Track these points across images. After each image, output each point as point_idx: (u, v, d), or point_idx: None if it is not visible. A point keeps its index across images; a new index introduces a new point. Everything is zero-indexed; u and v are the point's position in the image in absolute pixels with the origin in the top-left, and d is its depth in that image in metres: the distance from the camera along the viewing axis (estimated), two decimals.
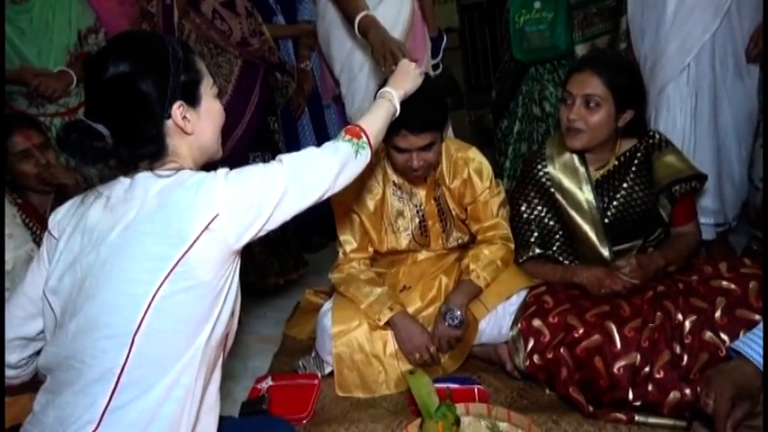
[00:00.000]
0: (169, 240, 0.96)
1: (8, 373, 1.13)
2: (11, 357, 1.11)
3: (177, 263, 0.95)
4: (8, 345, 1.10)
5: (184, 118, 1.06)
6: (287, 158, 1.14)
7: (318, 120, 2.85)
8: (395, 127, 1.64)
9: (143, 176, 1.03)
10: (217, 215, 0.98)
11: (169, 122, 1.05)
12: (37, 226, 1.89)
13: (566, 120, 1.69)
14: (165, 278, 0.94)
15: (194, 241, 0.96)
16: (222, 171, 1.05)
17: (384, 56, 1.82)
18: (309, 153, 1.19)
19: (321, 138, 2.84)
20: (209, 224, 0.97)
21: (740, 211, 2.21)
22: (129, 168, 1.06)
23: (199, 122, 1.09)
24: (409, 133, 1.63)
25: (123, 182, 1.05)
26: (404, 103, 1.62)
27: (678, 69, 2.08)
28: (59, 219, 1.09)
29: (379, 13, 2.15)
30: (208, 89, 1.11)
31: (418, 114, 1.60)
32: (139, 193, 1.01)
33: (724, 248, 2.21)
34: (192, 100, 1.08)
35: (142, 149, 1.05)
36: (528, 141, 2.54)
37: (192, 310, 0.98)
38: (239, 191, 1.02)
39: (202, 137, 1.10)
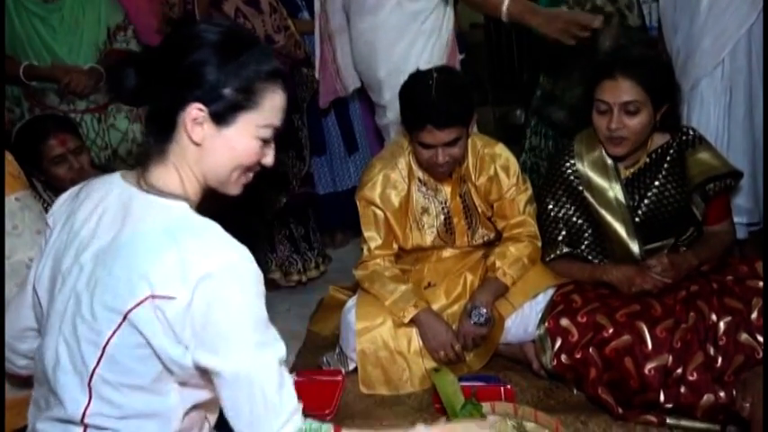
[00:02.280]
0: (122, 292, 0.87)
1: (20, 362, 1.13)
2: (22, 346, 1.09)
3: (124, 318, 0.86)
4: (20, 335, 1.09)
5: (195, 122, 0.92)
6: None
7: (343, 116, 2.85)
8: (420, 122, 1.63)
9: (137, 196, 0.94)
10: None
11: (182, 116, 0.93)
12: None
13: (605, 129, 1.62)
14: (114, 332, 0.87)
15: (137, 305, 0.86)
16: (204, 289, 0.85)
17: (564, 30, 1.74)
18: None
19: (346, 134, 2.83)
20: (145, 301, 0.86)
21: (764, 208, 2.14)
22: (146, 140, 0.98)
23: (212, 141, 0.94)
24: (435, 128, 1.61)
25: (119, 188, 0.96)
26: (430, 99, 1.60)
27: (712, 65, 2.02)
28: (56, 209, 1.04)
29: (434, 14, 2.10)
30: (251, 124, 0.95)
31: (444, 109, 1.59)
32: (121, 213, 0.92)
33: (758, 248, 2.15)
34: (220, 118, 0.93)
35: (151, 120, 0.97)
36: (539, 136, 2.50)
37: (145, 370, 0.89)
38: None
39: (209, 157, 0.95)
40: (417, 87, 1.67)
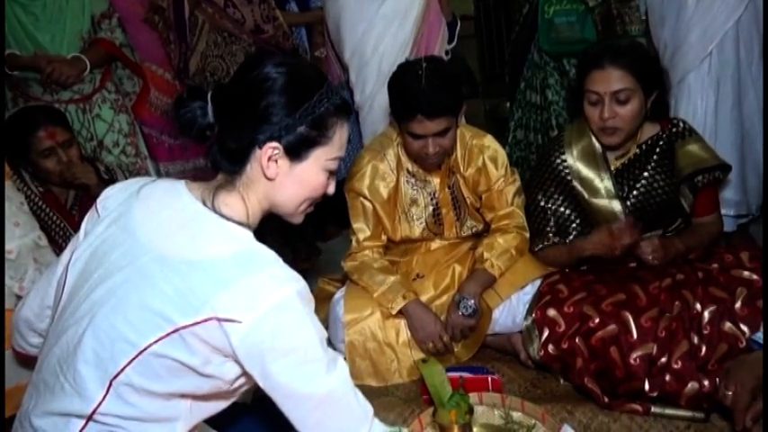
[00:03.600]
0: (182, 307, 0.88)
1: (34, 340, 1.14)
2: (41, 324, 1.11)
3: (175, 331, 0.88)
4: (42, 312, 1.09)
5: (270, 159, 0.97)
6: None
7: None
8: (410, 112, 1.62)
9: (207, 215, 0.95)
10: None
11: (257, 153, 0.97)
12: (56, 215, 1.91)
13: (598, 120, 1.63)
14: (160, 339, 0.88)
15: (195, 324, 0.87)
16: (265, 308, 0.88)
17: None
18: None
19: None
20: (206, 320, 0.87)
21: (762, 201, 2.17)
22: (211, 170, 1.02)
23: (285, 177, 0.99)
24: (425, 118, 1.61)
25: (186, 201, 0.97)
26: (419, 89, 1.60)
27: (700, 57, 2.03)
28: (109, 200, 1.04)
29: (388, 7, 2.12)
30: (322, 158, 1.00)
31: (433, 99, 1.58)
32: (188, 227, 0.94)
33: (744, 240, 2.17)
34: (295, 154, 0.98)
35: (224, 154, 0.99)
36: (525, 129, 2.49)
37: (172, 381, 0.91)
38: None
39: (280, 191, 1.00)
40: (406, 77, 1.66)
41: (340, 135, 1.02)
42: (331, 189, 1.06)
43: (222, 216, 0.96)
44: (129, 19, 2.23)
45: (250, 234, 0.97)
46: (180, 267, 0.90)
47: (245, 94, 0.97)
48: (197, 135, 1.00)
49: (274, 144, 0.96)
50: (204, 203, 0.97)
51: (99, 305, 0.92)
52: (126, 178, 2.08)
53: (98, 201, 1.05)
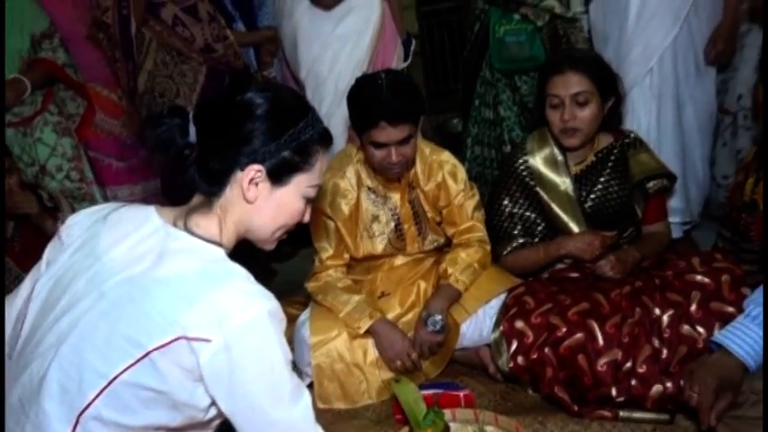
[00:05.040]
0: (150, 329, 0.85)
1: None
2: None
3: (145, 355, 0.84)
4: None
5: (252, 182, 0.96)
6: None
7: None
8: (372, 120, 1.61)
9: (176, 235, 0.93)
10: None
11: (238, 175, 0.96)
12: None
13: (559, 122, 1.72)
14: (130, 366, 0.84)
15: (164, 345, 0.84)
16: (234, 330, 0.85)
17: None
18: None
19: None
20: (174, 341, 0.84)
21: (702, 208, 2.30)
22: (185, 191, 0.99)
23: (264, 201, 0.98)
24: (388, 125, 1.60)
25: (156, 224, 0.94)
26: (381, 96, 1.60)
27: (641, 74, 2.14)
28: (73, 226, 1.00)
29: (350, 19, 2.13)
30: (302, 185, 1.01)
31: (395, 105, 1.59)
32: (156, 248, 0.91)
33: (689, 245, 2.28)
34: (276, 177, 0.98)
35: (203, 175, 0.97)
36: (481, 145, 2.55)
37: (144, 413, 0.87)
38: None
39: (258, 215, 0.99)
40: (366, 87, 1.66)
41: (321, 163, 1.04)
42: (307, 217, 1.06)
43: (192, 234, 0.94)
44: (71, 38, 2.14)
45: (221, 250, 0.95)
46: (146, 287, 0.87)
47: (231, 115, 0.97)
48: (174, 154, 0.98)
49: (257, 167, 0.96)
50: (175, 225, 0.95)
51: (65, 335, 0.87)
52: (71, 205, 1.98)
53: (62, 228, 1.01)
